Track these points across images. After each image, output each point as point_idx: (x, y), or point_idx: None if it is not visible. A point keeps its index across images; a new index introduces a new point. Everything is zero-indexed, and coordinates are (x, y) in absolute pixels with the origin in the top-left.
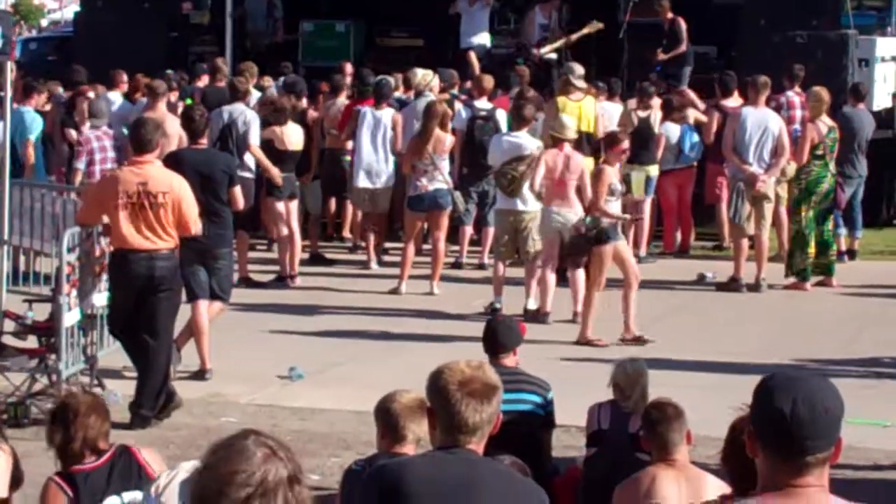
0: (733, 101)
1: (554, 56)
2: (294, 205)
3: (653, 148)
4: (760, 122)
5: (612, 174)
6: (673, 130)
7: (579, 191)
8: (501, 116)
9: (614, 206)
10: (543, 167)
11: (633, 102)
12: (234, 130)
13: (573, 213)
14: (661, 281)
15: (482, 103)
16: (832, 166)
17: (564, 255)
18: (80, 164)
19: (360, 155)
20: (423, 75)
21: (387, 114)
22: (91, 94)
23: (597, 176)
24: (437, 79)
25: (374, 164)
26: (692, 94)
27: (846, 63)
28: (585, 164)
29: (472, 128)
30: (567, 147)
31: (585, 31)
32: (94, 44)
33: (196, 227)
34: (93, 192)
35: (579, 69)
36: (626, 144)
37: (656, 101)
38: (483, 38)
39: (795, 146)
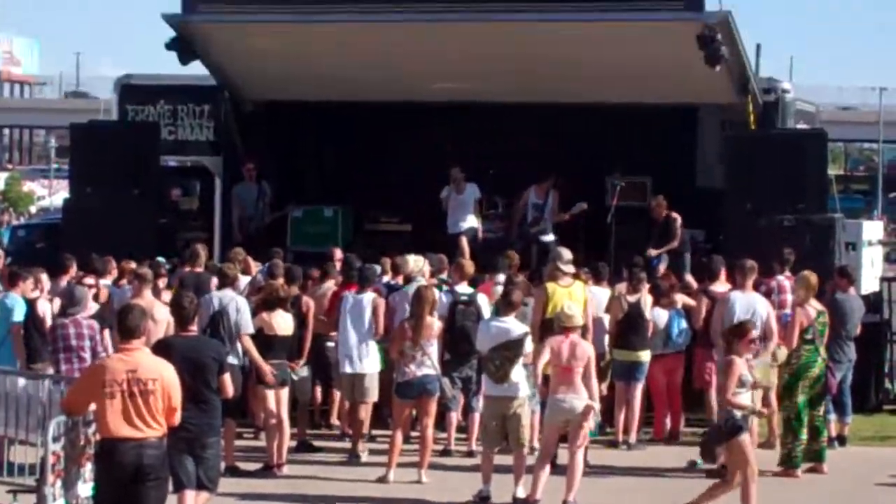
0: (721, 286)
1: (551, 238)
2: (284, 392)
3: (643, 333)
4: (748, 306)
5: (742, 365)
6: (661, 315)
7: (585, 377)
8: (483, 302)
9: (745, 398)
10: (548, 354)
11: (622, 287)
12: (225, 318)
13: (580, 399)
14: (652, 468)
15: (463, 288)
16: (822, 351)
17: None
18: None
19: (343, 341)
20: (415, 262)
21: (368, 298)
22: (89, 281)
23: (726, 368)
24: (428, 264)
25: (356, 350)
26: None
27: (833, 247)
28: (591, 351)
29: (453, 313)
30: (573, 334)
31: (574, 211)
32: (83, 230)
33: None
34: (80, 380)
35: (567, 255)
36: (755, 334)
37: (646, 286)
38: (471, 222)
39: (786, 330)
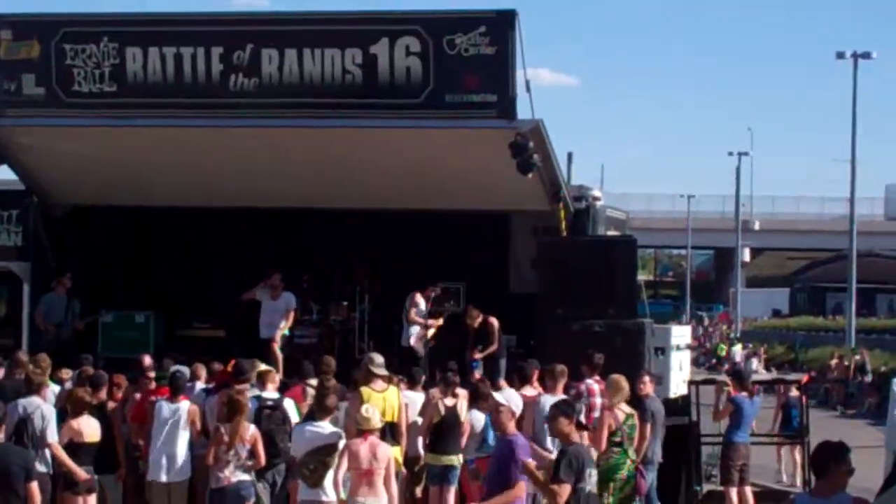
0: (531, 390)
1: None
2: (92, 499)
3: (457, 437)
4: None
5: None
6: (479, 418)
7: (385, 480)
8: (290, 406)
9: None
10: (347, 458)
11: (435, 391)
12: (29, 425)
13: (380, 502)
14: None
15: (269, 393)
16: (631, 452)
17: None
18: None
19: (155, 448)
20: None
21: (183, 406)
22: None
23: None
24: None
25: (167, 458)
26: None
27: (643, 351)
28: (392, 453)
29: (259, 417)
30: (372, 437)
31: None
32: None
33: None
34: None
35: (379, 358)
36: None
37: (461, 391)
38: (282, 329)
39: (595, 433)
